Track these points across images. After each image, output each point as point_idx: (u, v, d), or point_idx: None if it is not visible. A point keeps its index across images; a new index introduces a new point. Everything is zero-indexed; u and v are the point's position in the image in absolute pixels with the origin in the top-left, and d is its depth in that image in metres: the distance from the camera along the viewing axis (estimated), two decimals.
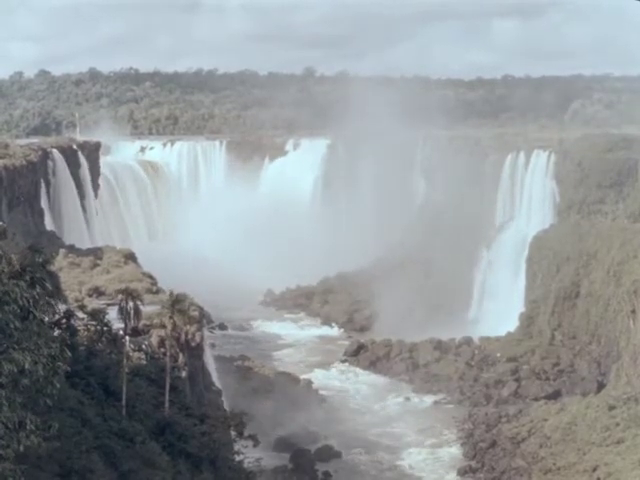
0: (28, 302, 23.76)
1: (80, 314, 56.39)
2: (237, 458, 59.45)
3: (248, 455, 61.08)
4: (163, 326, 60.56)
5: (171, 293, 61.42)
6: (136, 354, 60.18)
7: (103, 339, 55.75)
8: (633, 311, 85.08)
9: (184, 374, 64.56)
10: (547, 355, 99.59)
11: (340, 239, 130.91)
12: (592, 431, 77.39)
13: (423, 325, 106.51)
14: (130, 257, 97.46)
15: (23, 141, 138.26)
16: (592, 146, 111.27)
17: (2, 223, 74.97)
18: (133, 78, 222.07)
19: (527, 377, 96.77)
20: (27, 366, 23.13)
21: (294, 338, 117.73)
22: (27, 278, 24.93)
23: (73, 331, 51.03)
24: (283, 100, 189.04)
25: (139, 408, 52.73)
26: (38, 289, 24.92)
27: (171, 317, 58.56)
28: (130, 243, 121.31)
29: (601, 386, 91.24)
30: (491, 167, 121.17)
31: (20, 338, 23.54)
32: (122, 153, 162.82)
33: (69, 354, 26.17)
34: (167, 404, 55.43)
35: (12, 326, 23.17)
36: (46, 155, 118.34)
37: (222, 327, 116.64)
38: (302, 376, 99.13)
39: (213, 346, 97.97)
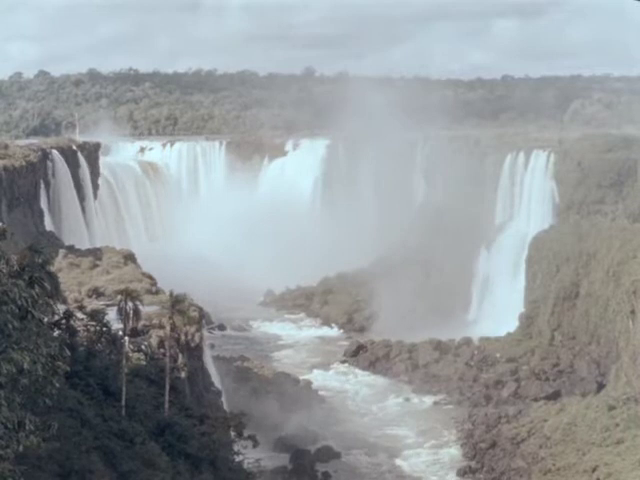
0: (27, 302, 23.72)
1: (79, 315, 56.51)
2: (237, 459, 59.48)
3: (248, 456, 61.11)
4: (161, 327, 60.63)
5: (171, 293, 61.51)
6: (136, 355, 60.21)
7: (102, 340, 55.80)
8: (632, 311, 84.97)
9: (184, 375, 64.56)
10: (547, 355, 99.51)
11: (340, 239, 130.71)
12: (592, 431, 77.37)
13: (423, 325, 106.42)
14: (130, 258, 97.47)
15: (23, 142, 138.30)
16: (592, 146, 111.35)
17: (2, 224, 75.01)
18: (133, 78, 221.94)
19: (527, 377, 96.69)
20: (26, 366, 23.09)
21: (294, 339, 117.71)
22: (26, 278, 24.91)
23: (72, 332, 51.09)
24: (283, 100, 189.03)
25: (139, 409, 52.78)
26: (37, 289, 24.89)
27: (171, 318, 58.61)
28: (129, 244, 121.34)
29: (601, 386, 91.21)
30: (491, 167, 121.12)
31: (19, 338, 23.50)
32: (122, 154, 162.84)
33: (68, 353, 26.15)
34: (167, 405, 55.46)
35: (11, 326, 23.13)
36: (46, 156, 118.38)
37: (221, 328, 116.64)
38: (302, 377, 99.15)
39: (212, 347, 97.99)
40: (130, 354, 57.80)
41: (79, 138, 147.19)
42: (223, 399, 75.00)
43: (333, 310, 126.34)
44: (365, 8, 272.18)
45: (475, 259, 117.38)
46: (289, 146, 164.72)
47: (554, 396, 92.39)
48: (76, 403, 45.19)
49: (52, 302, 32.50)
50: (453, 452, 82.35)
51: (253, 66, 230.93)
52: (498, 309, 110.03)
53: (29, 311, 23.87)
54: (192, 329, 67.26)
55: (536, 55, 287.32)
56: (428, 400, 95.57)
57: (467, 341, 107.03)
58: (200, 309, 73.30)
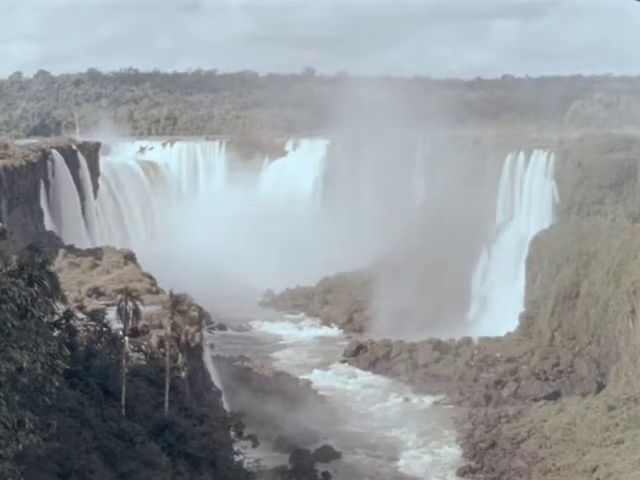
0: (26, 300, 23.69)
1: (79, 314, 56.46)
2: (237, 458, 59.45)
3: (248, 455, 61.05)
4: (161, 327, 60.61)
5: (171, 294, 61.48)
6: (135, 354, 60.17)
7: (102, 339, 55.73)
8: (633, 311, 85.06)
9: (183, 374, 64.53)
10: (547, 355, 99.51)
11: (340, 239, 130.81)
12: (592, 431, 77.43)
13: (423, 325, 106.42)
14: (130, 257, 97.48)
15: (23, 141, 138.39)
16: (592, 146, 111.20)
17: (2, 223, 75.00)
18: (133, 78, 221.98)
19: (527, 377, 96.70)
20: (25, 365, 23.06)
21: (294, 339, 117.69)
22: (25, 276, 24.90)
23: (72, 331, 51.04)
24: (283, 100, 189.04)
25: (139, 408, 52.78)
26: (36, 287, 24.87)
27: (171, 318, 58.58)
28: (129, 243, 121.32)
29: (600, 386, 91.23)
30: (491, 167, 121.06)
31: (18, 336, 23.47)
32: (122, 153, 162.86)
33: (68, 352, 26.11)
34: (167, 405, 55.43)
35: (10, 324, 23.11)
36: (45, 155, 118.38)
37: (221, 327, 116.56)
38: (302, 376, 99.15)
39: (212, 346, 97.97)
40: (130, 354, 57.77)
41: (79, 138, 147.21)
42: (223, 399, 74.98)
43: (333, 310, 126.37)
44: (365, 8, 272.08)
45: (475, 259, 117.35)
46: (289, 146, 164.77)
47: (554, 396, 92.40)
48: (76, 403, 45.17)
49: (52, 301, 32.51)
50: (453, 452, 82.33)
51: (253, 66, 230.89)
52: (498, 309, 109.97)
53: (28, 309, 23.85)
54: (192, 329, 67.24)
55: (536, 55, 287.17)
56: (428, 400, 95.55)
57: (467, 341, 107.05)
58: (200, 309, 73.29)
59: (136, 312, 56.04)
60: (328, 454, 79.40)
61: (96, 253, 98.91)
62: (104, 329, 55.77)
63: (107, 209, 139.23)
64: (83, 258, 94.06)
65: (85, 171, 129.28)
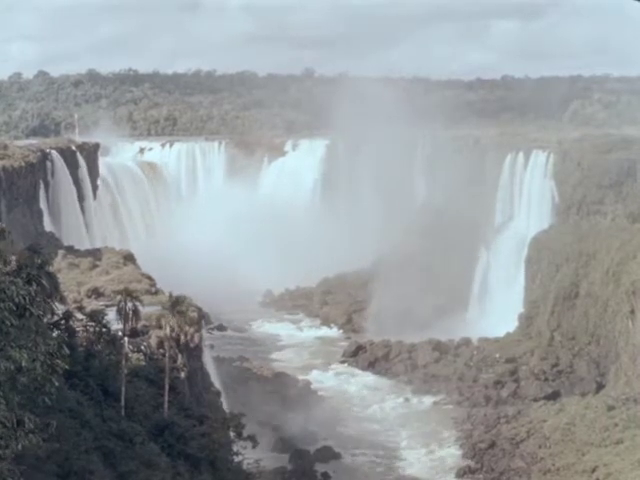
0: (24, 299, 23.65)
1: (79, 315, 56.45)
2: (236, 459, 59.46)
3: (247, 456, 61.06)
4: (160, 327, 60.60)
5: (171, 295, 61.48)
6: (135, 355, 60.15)
7: (102, 340, 55.68)
8: (632, 311, 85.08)
9: (183, 375, 64.49)
10: (546, 356, 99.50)
11: (340, 239, 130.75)
12: (591, 432, 77.44)
13: (422, 326, 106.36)
14: (129, 258, 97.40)
15: (22, 142, 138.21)
16: (591, 146, 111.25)
17: (1, 224, 74.97)
18: (132, 79, 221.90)
19: (526, 378, 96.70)
20: (25, 364, 23.02)
21: (293, 339, 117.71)
22: (23, 275, 24.86)
23: (72, 332, 51.01)
24: (282, 101, 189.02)
25: (138, 409, 52.74)
26: (35, 286, 24.83)
27: (171, 318, 58.54)
28: (129, 244, 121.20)
29: (600, 387, 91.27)
30: (491, 167, 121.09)
31: (17, 336, 23.43)
32: (121, 154, 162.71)
33: (67, 351, 26.06)
34: (166, 405, 55.42)
35: (9, 323, 23.07)
36: (45, 156, 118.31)
37: (221, 328, 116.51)
38: (301, 377, 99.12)
39: (212, 347, 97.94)
40: (130, 354, 57.75)
41: (78, 138, 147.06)
42: (222, 399, 74.94)
43: (332, 310, 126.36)
44: (365, 8, 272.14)
45: (475, 259, 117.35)
46: (288, 146, 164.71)
47: (553, 396, 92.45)
48: (75, 404, 45.13)
49: (51, 302, 32.47)
50: (452, 452, 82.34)
51: (252, 66, 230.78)
52: (497, 309, 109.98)
53: (27, 308, 23.80)
54: (191, 330, 67.17)
55: (536, 55, 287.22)
56: (427, 400, 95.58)
57: (466, 341, 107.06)
58: (199, 310, 73.23)
59: (135, 313, 55.98)
60: (327, 455, 79.45)
61: (95, 254, 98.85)
62: (103, 330, 55.68)
63: (106, 210, 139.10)
64: (82, 259, 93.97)
65: (84, 172, 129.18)
